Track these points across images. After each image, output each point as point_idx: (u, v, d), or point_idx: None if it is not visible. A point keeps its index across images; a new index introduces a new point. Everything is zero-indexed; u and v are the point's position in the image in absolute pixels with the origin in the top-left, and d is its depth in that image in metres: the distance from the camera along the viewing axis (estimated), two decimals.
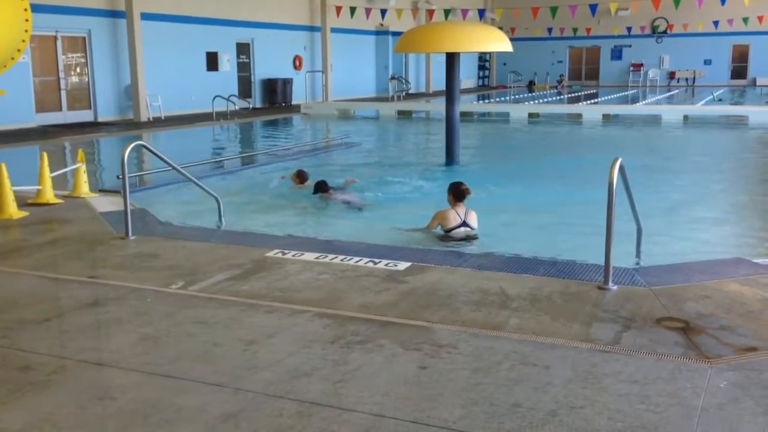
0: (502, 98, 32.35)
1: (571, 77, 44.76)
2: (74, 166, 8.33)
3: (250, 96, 25.61)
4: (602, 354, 3.57)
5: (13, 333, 3.93)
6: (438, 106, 23.16)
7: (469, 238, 6.87)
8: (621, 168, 4.82)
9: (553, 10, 28.76)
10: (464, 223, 6.93)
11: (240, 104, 23.52)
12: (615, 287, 4.58)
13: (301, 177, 9.42)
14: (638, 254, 6.09)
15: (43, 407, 3.07)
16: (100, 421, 2.95)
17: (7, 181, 6.97)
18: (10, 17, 9.12)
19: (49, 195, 7.64)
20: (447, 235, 6.88)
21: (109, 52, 20.12)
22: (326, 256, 5.41)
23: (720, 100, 27.91)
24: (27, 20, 9.48)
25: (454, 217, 6.91)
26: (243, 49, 25.53)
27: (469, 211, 7.01)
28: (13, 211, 6.96)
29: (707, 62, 41.56)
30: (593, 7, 29.41)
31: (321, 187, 8.90)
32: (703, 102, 27.05)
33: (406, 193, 10.00)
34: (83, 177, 8.13)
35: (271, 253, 5.52)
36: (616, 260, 4.72)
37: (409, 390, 3.19)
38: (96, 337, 3.93)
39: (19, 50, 9.50)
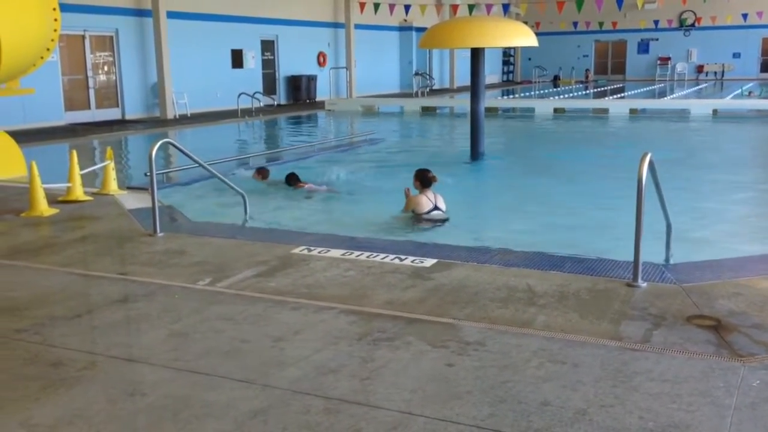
0: (527, 93, 32.14)
1: (596, 72, 44.36)
2: (103, 164, 8.43)
3: (274, 93, 25.72)
4: (632, 352, 3.53)
5: (45, 329, 3.99)
6: (462, 102, 23.05)
7: (441, 220, 7.41)
8: (650, 163, 4.76)
9: (579, 3, 28.43)
10: (435, 207, 7.45)
11: (265, 101, 23.62)
12: (644, 284, 4.52)
13: (262, 173, 9.85)
14: (668, 251, 6.01)
15: (74, 403, 3.11)
16: (131, 417, 2.98)
17: (37, 179, 7.07)
18: (39, 17, 9.25)
19: (79, 192, 7.73)
20: (421, 219, 7.39)
21: (136, 51, 20.32)
22: (352, 253, 5.41)
23: (749, 94, 27.46)
24: (56, 19, 9.61)
25: (427, 202, 7.43)
26: (267, 46, 25.64)
27: (437, 195, 7.53)
28: (44, 209, 7.06)
29: (736, 55, 40.94)
30: (620, 1, 29.06)
31: (292, 179, 9.41)
32: (731, 96, 26.63)
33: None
34: (112, 174, 8.22)
35: (296, 250, 5.53)
36: (645, 257, 4.66)
37: (436, 387, 3.18)
38: (126, 333, 3.97)
39: (48, 49, 9.63)
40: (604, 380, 3.22)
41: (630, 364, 3.39)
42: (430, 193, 7.48)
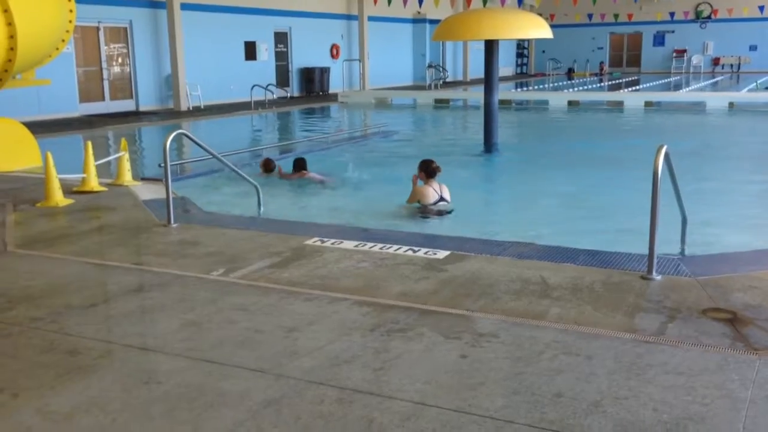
0: (541, 86, 31.98)
1: (611, 64, 44.07)
2: (117, 155, 8.47)
3: (287, 85, 25.74)
4: (647, 345, 3.51)
5: (61, 318, 4.02)
6: (476, 95, 22.99)
7: (447, 211, 7.45)
8: (666, 156, 4.73)
9: None
10: (441, 198, 7.49)
11: (278, 93, 23.65)
12: (659, 277, 4.50)
13: (267, 165, 9.85)
14: (683, 243, 5.98)
15: (90, 391, 3.13)
16: (146, 405, 3.00)
17: (53, 170, 7.12)
18: (54, 8, 9.29)
19: (94, 183, 7.78)
20: (427, 209, 7.42)
21: (149, 43, 20.39)
22: (365, 245, 5.41)
23: (766, 88, 27.18)
24: (71, 11, 9.65)
25: (433, 193, 7.47)
26: (281, 38, 25.64)
27: (442, 185, 7.56)
28: (59, 199, 7.11)
29: (753, 48, 40.54)
30: None
31: (298, 165, 9.51)
32: (746, 89, 26.38)
33: (445, 179, 9.97)
34: (126, 165, 8.26)
35: (310, 241, 5.54)
36: (660, 249, 4.63)
37: (450, 378, 3.18)
38: (141, 323, 4.00)
39: (63, 41, 9.68)
40: (618, 372, 3.21)
41: (644, 356, 3.38)
42: (435, 184, 7.53)
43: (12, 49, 8.50)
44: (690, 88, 28.99)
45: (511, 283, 4.46)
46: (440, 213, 7.42)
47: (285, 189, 9.08)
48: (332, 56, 28.22)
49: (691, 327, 3.72)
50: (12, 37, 8.41)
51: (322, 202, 8.56)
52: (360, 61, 28.74)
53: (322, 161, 11.57)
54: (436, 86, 30.37)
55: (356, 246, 5.39)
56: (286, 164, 9.98)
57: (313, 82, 26.50)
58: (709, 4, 39.87)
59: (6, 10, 8.27)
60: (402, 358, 3.41)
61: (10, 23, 8.33)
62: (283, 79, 25.64)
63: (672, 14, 39.41)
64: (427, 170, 7.53)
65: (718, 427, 2.75)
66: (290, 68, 26.24)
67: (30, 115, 15.15)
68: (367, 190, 9.03)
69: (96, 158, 8.02)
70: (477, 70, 33.68)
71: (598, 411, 2.87)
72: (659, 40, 42.68)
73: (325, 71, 26.95)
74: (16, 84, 9.75)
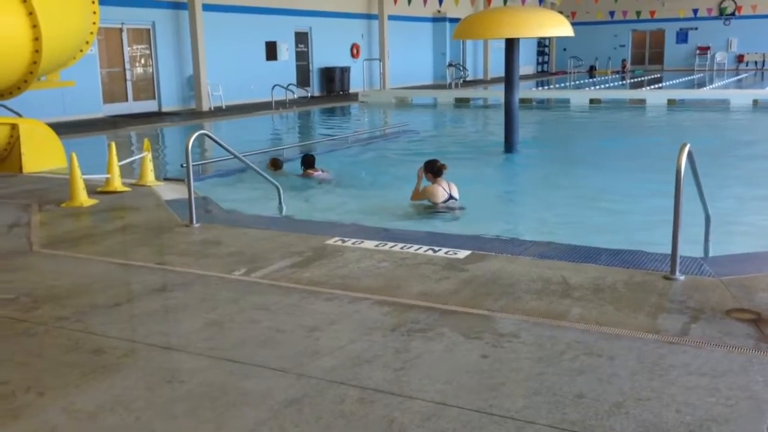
0: (562, 84, 31.78)
1: (634, 62, 43.68)
2: (140, 155, 8.55)
3: (308, 85, 25.82)
4: (669, 345, 3.49)
5: (86, 317, 4.07)
6: (496, 93, 22.91)
7: (459, 209, 7.51)
8: (689, 154, 4.68)
9: None
10: (451, 196, 7.52)
11: (298, 93, 23.73)
12: (682, 277, 4.46)
13: (275, 164, 9.95)
14: (707, 243, 5.92)
15: (114, 389, 3.17)
16: (169, 404, 3.03)
17: (77, 171, 7.20)
18: (79, 10, 9.41)
19: (117, 183, 7.87)
20: (437, 208, 7.47)
21: (172, 44, 20.56)
22: (385, 244, 5.42)
23: None
24: (95, 12, 9.77)
25: (442, 192, 7.49)
26: (301, 38, 25.73)
27: (450, 183, 7.58)
28: (84, 199, 7.20)
29: None
30: None
31: (307, 162, 9.65)
32: None
33: (465, 179, 9.96)
34: (149, 166, 8.34)
35: (330, 241, 5.56)
36: (683, 249, 4.59)
37: (470, 379, 3.18)
38: (164, 322, 4.04)
39: (87, 42, 9.80)
40: (640, 373, 3.19)
41: (667, 357, 3.35)
42: (443, 183, 7.54)
43: (37, 51, 8.62)
44: (714, 85, 28.66)
45: (532, 283, 4.45)
46: (452, 210, 7.46)
47: (297, 188, 9.12)
48: (352, 56, 28.26)
49: (715, 327, 3.69)
50: (37, 39, 8.53)
51: (339, 200, 8.58)
52: (380, 60, 28.75)
53: (342, 160, 11.61)
54: (456, 85, 30.30)
55: (377, 246, 5.40)
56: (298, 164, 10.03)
57: (334, 82, 26.56)
58: (733, 0, 39.38)
59: (31, 13, 8.39)
60: (423, 358, 3.41)
61: (35, 25, 8.45)
62: (303, 79, 25.73)
63: (695, 11, 38.97)
64: (433, 170, 7.55)
65: (742, 429, 2.73)
66: (311, 68, 26.32)
67: (55, 116, 15.34)
68: (384, 189, 9.04)
69: (119, 158, 8.11)
70: (497, 68, 33.54)
71: (620, 412, 2.86)
72: (682, 37, 42.23)
73: (345, 71, 27.00)
74: (41, 86, 9.89)
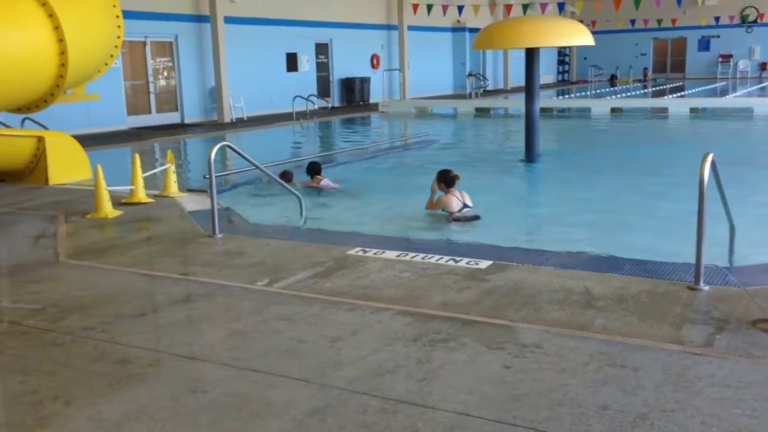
0: (583, 93, 31.65)
1: (655, 70, 43.39)
2: (164, 167, 8.65)
3: (328, 95, 25.94)
4: (694, 356, 3.46)
5: (112, 327, 4.12)
6: (516, 103, 22.87)
7: (474, 218, 7.53)
8: (712, 163, 4.65)
9: (637, 1, 27.92)
10: (465, 205, 7.60)
11: (319, 104, 23.85)
12: (707, 287, 4.42)
13: (285, 176, 9.93)
14: (731, 253, 5.86)
15: (140, 399, 3.21)
16: (194, 414, 3.06)
17: (103, 182, 7.30)
18: (104, 25, 9.56)
19: (141, 195, 7.95)
20: (454, 217, 7.51)
21: (194, 56, 20.78)
22: (407, 254, 5.43)
23: None
24: (119, 26, 9.91)
25: (456, 201, 7.58)
26: (322, 49, 25.89)
27: (463, 192, 7.69)
28: (109, 210, 7.29)
29: None
30: None
31: (312, 170, 9.80)
32: None
33: (486, 188, 9.95)
34: (172, 177, 8.42)
35: (352, 251, 5.58)
36: (707, 259, 4.55)
37: (493, 389, 3.18)
38: (188, 332, 4.08)
39: (112, 56, 9.95)
40: (665, 385, 3.16)
41: (692, 368, 3.33)
42: (456, 192, 7.65)
43: (63, 65, 8.77)
44: (737, 93, 28.38)
45: (554, 293, 4.43)
46: (467, 219, 7.53)
47: (311, 199, 9.14)
48: (372, 66, 28.36)
49: (740, 338, 3.65)
50: (63, 53, 8.67)
51: (357, 210, 8.60)
52: (400, 70, 28.83)
53: (362, 170, 11.65)
54: (476, 95, 30.28)
55: (398, 256, 5.41)
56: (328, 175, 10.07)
57: (354, 92, 26.67)
58: (755, 8, 39.00)
59: (57, 27, 8.54)
60: (445, 368, 3.41)
61: (61, 40, 8.60)
62: (324, 90, 25.86)
63: (717, 19, 38.60)
64: (446, 180, 7.69)
65: None
66: (331, 79, 26.46)
67: (80, 129, 15.54)
68: (403, 199, 9.04)
69: (143, 170, 8.20)
70: (518, 77, 33.46)
71: (645, 424, 2.84)
72: (704, 45, 41.90)
73: (365, 81, 27.11)
74: (67, 99, 10.04)
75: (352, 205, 9.03)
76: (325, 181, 9.71)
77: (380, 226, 7.32)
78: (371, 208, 8.76)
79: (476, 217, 7.56)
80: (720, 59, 41.28)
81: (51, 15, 8.49)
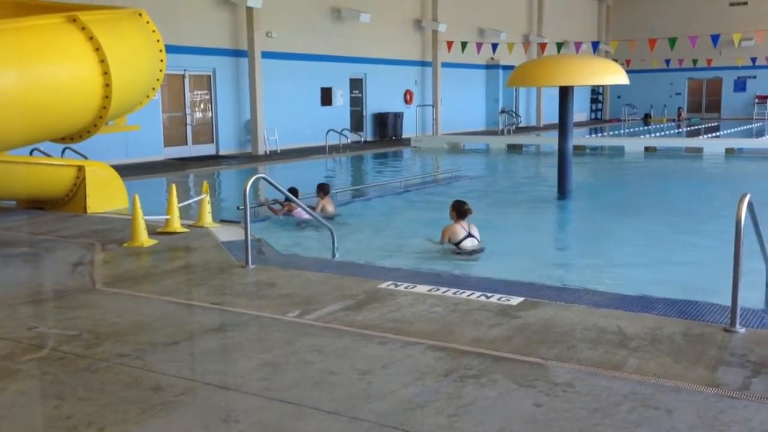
0: (616, 131, 31.52)
1: (690, 110, 43.07)
2: (199, 198, 8.79)
3: (361, 129, 26.19)
4: (730, 400, 3.40)
5: (146, 355, 4.18)
6: (549, 140, 22.84)
7: (476, 251, 7.81)
8: (749, 204, 4.61)
9: (672, 41, 27.90)
10: (470, 235, 7.85)
11: (352, 138, 24.09)
12: (743, 330, 4.35)
13: (324, 189, 10.34)
14: None
15: (172, 427, 3.24)
16: None
17: (139, 212, 7.43)
18: (148, 59, 9.83)
19: (177, 224, 8.08)
20: (458, 248, 7.79)
21: (231, 89, 21.18)
22: (438, 289, 5.44)
23: None
24: (162, 60, 10.17)
25: (461, 230, 7.86)
26: (356, 84, 26.22)
27: (471, 224, 7.96)
28: (144, 239, 7.41)
29: None
30: (715, 38, 28.30)
31: (323, 189, 10.13)
32: None
33: (518, 224, 9.93)
34: (207, 208, 8.55)
35: (383, 285, 5.60)
36: (743, 301, 4.49)
37: (524, 427, 3.15)
38: (220, 361, 4.12)
39: (153, 89, 10.20)
40: (699, 428, 3.11)
41: (727, 412, 3.27)
42: (464, 223, 7.92)
43: (107, 97, 9.00)
44: None
45: (586, 332, 4.40)
46: (471, 252, 7.76)
47: (345, 228, 9.21)
48: (406, 101, 28.62)
49: None
50: (107, 85, 8.91)
51: (386, 243, 8.61)
52: (433, 106, 29.04)
53: (393, 205, 11.70)
54: (508, 131, 30.34)
55: (429, 290, 5.42)
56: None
57: (387, 127, 26.91)
58: None
59: (102, 60, 8.79)
60: (475, 404, 3.40)
61: (105, 72, 8.84)
62: (357, 124, 26.13)
63: (754, 59, 38.32)
64: (459, 210, 7.96)
65: None
66: (364, 113, 26.73)
67: (118, 159, 15.88)
68: (432, 233, 9.06)
69: (179, 200, 8.34)
70: (550, 115, 33.46)
71: None
72: (740, 85, 41.55)
73: (398, 116, 27.34)
74: (108, 130, 10.27)
75: (384, 237, 9.07)
76: (326, 201, 9.92)
77: (411, 260, 7.33)
78: (401, 241, 8.78)
79: (479, 250, 7.82)
80: (756, 100, 40.87)
81: (97, 49, 8.75)
